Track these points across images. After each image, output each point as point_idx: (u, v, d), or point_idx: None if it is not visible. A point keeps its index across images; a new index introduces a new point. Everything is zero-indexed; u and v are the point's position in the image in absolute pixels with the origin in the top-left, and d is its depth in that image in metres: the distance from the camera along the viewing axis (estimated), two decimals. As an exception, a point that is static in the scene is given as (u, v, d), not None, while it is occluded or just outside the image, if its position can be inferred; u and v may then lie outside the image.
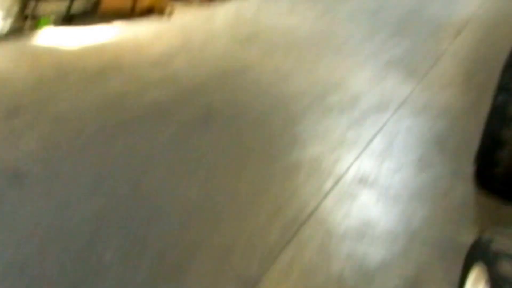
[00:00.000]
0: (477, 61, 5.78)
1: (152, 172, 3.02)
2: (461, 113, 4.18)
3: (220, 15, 7.57)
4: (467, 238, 2.50)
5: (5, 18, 5.48)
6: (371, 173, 3.14)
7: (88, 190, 2.80)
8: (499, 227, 2.41)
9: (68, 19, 6.26)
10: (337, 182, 3.02)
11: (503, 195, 2.84)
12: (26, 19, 5.68)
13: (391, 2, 9.12)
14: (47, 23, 5.94)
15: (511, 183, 2.72)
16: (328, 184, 2.99)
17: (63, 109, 3.85)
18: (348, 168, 3.18)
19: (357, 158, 3.32)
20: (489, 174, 2.82)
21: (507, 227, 2.55)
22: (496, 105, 2.75)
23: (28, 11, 5.63)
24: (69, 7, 6.26)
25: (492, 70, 5.10)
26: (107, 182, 2.89)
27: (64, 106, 3.90)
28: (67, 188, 2.81)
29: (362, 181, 3.05)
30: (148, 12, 6.79)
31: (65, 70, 4.73)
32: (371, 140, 3.58)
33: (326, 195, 2.88)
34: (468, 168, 3.09)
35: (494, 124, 2.71)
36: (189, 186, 2.89)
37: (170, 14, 6.98)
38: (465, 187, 3.01)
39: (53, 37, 5.72)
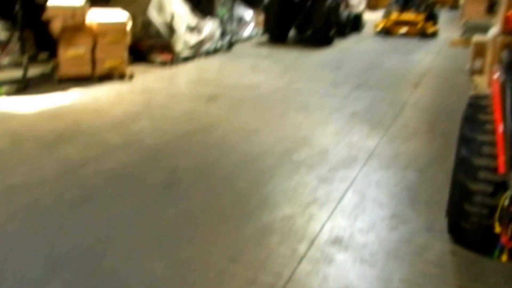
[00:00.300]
0: (437, 110, 5.96)
1: (115, 246, 2.84)
2: (428, 163, 4.22)
3: (182, 75, 7.63)
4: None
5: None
6: (345, 233, 3.04)
7: (46, 271, 2.59)
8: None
9: (23, 87, 6.13)
10: (311, 244, 2.91)
11: (477, 248, 2.81)
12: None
13: (351, 57, 9.51)
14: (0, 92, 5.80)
15: (483, 235, 2.69)
16: (302, 247, 2.87)
17: (17, 179, 3.67)
18: (321, 229, 3.08)
19: (329, 217, 3.24)
20: (461, 227, 2.78)
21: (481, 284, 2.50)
22: (460, 157, 2.77)
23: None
24: (24, 75, 6.16)
25: (452, 118, 5.29)
26: (67, 259, 2.69)
27: (19, 177, 3.73)
28: (21, 269, 2.59)
29: (337, 242, 2.94)
30: (108, 76, 6.75)
31: (20, 138, 4.56)
32: (342, 197, 3.52)
33: (301, 259, 2.76)
34: (441, 221, 3.06)
35: (461, 177, 2.71)
36: (156, 259, 2.72)
37: (131, 77, 6.96)
38: (440, 242, 2.95)
39: (7, 105, 5.54)
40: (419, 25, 12.08)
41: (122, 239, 2.91)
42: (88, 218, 3.13)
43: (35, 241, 2.86)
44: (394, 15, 12.53)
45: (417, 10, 12.42)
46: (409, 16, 12.39)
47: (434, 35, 12.29)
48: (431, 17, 12.63)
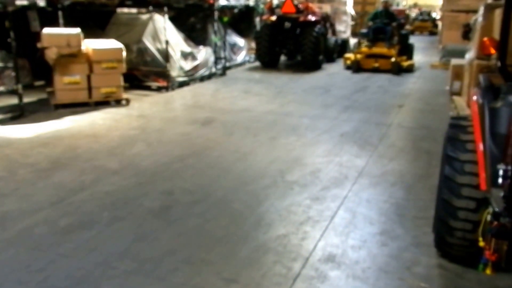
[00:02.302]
0: (421, 129, 6.18)
1: (112, 271, 2.87)
2: (414, 180, 4.38)
3: (177, 100, 7.81)
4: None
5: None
6: (337, 250, 3.15)
7: None
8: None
9: (19, 114, 6.25)
10: (305, 262, 3.00)
11: (462, 262, 2.94)
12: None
13: (338, 81, 9.79)
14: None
15: (467, 249, 2.82)
16: (297, 265, 2.96)
17: (12, 206, 3.70)
18: (315, 247, 3.18)
19: (322, 235, 3.35)
20: (446, 242, 2.90)
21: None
22: (445, 175, 2.90)
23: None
24: (19, 103, 6.27)
25: (435, 137, 5.50)
26: (62, 287, 2.71)
27: (14, 203, 3.76)
28: None
29: (330, 259, 3.04)
30: (104, 102, 6.90)
31: (15, 165, 4.60)
32: (334, 215, 3.64)
33: (296, 278, 2.84)
34: (428, 236, 3.19)
35: (445, 194, 2.83)
36: (154, 283, 2.77)
37: (127, 102, 7.11)
38: (427, 257, 3.07)
39: (3, 132, 5.61)
40: (392, 60, 10.63)
41: (119, 263, 2.94)
42: (84, 244, 3.16)
43: (30, 268, 2.87)
44: (365, 48, 11.10)
45: (389, 43, 10.95)
46: (381, 49, 10.95)
47: (409, 70, 10.96)
48: (405, 50, 11.38)
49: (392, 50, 10.85)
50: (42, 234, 3.30)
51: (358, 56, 11.01)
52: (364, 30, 11.65)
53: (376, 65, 10.79)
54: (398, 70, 10.59)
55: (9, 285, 2.74)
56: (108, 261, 2.98)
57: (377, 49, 10.97)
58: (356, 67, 10.82)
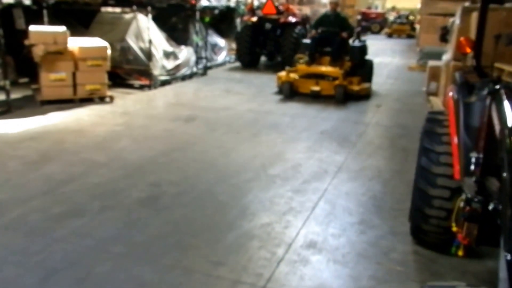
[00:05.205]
0: (398, 128, 6.44)
1: (105, 254, 2.98)
2: (391, 175, 4.59)
3: (160, 98, 7.88)
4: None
5: None
6: (318, 238, 3.32)
7: (39, 279, 2.69)
8: (434, 281, 2.64)
9: (6, 110, 6.23)
10: (288, 248, 3.16)
11: (436, 248, 3.14)
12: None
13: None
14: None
15: (441, 236, 3.02)
16: (281, 251, 3.12)
17: (4, 196, 3.77)
18: (297, 234, 3.35)
19: (304, 224, 3.51)
20: (422, 229, 3.09)
21: (441, 279, 2.80)
22: (421, 166, 3.08)
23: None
24: (7, 99, 6.25)
25: (411, 135, 5.75)
26: (59, 267, 2.81)
27: (6, 193, 3.82)
28: (14, 278, 2.69)
29: (312, 245, 3.21)
30: (89, 98, 6.94)
31: (5, 157, 4.65)
32: (315, 206, 3.81)
33: (279, 261, 3.00)
34: (404, 226, 3.39)
35: (421, 184, 3.02)
36: (144, 265, 2.88)
37: (111, 99, 7.16)
38: (403, 244, 3.27)
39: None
40: (336, 82, 7.70)
41: (111, 247, 3.06)
42: (77, 230, 3.27)
43: (27, 251, 2.97)
44: (302, 66, 8.26)
45: (336, 59, 8.22)
46: (323, 67, 8.14)
47: (364, 96, 8.06)
48: (361, 69, 8.35)
49: (338, 69, 7.96)
50: (36, 221, 3.39)
51: (292, 76, 8.01)
52: (306, 41, 8.68)
53: (316, 88, 7.80)
54: (344, 96, 7.68)
55: (9, 266, 2.84)
56: (101, 245, 3.09)
57: (318, 67, 8.12)
58: (288, 91, 7.89)
